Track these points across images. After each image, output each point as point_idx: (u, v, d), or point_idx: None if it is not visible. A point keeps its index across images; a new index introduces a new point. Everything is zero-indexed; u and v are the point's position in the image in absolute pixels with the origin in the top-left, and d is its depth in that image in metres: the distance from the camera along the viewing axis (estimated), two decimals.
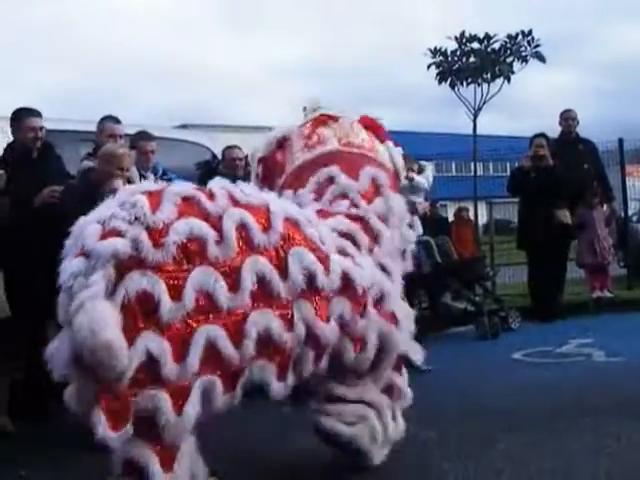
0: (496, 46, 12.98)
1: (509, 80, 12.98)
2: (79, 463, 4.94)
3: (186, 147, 8.82)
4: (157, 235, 3.53)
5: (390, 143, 4.86)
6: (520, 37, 12.84)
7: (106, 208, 3.68)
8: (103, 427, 3.32)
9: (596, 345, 8.38)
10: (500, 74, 12.84)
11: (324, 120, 4.80)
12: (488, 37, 12.97)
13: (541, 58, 12.90)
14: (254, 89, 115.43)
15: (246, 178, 8.15)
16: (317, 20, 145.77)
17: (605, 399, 5.97)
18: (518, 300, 11.58)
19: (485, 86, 13.20)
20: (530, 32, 12.79)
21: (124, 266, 3.46)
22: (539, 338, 9.07)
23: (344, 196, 4.40)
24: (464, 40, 13.03)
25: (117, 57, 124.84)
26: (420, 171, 9.76)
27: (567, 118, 11.33)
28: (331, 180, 4.45)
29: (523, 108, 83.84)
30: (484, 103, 13.33)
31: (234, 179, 7.88)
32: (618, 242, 12.52)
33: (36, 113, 6.57)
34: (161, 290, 3.46)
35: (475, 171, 14.32)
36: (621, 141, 13.53)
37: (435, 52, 13.12)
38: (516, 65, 13.06)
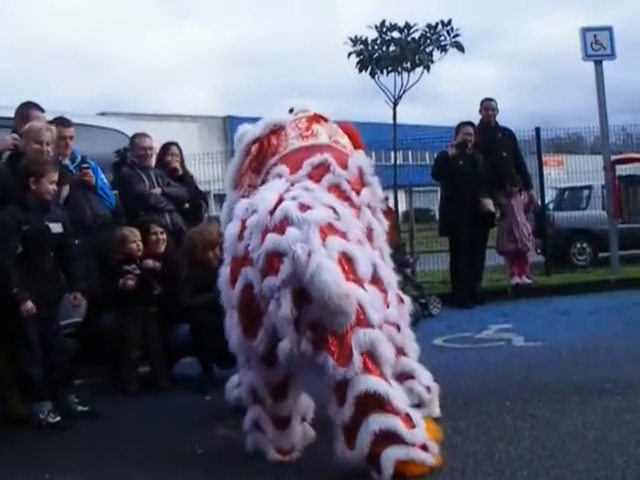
0: (416, 35, 13.03)
1: (429, 69, 13.05)
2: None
3: (106, 134, 8.65)
4: None
5: (362, 152, 5.29)
6: (440, 27, 12.91)
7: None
8: (333, 365, 4.06)
9: (515, 330, 8.55)
10: (420, 63, 12.89)
11: (317, 119, 5.31)
12: (408, 26, 13.00)
13: (460, 47, 12.99)
14: (176, 78, 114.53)
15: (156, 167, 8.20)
16: (240, 9, 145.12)
17: (525, 383, 6.10)
18: (438, 287, 11.73)
19: (405, 75, 13.24)
20: (450, 22, 12.86)
21: (323, 231, 4.26)
22: (459, 324, 9.23)
23: (337, 186, 4.81)
24: (384, 29, 13.04)
25: (34, 43, 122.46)
26: None
27: (487, 108, 11.51)
28: (325, 166, 4.86)
29: (441, 98, 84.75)
30: (404, 92, 13.38)
31: (143, 169, 7.90)
32: (536, 230, 12.72)
33: None
34: (356, 250, 4.35)
35: (395, 159, 14.38)
36: (538, 130, 13.79)
37: (355, 41, 13.11)
38: (435, 54, 13.13)
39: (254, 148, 5.23)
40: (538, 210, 13.34)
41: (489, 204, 10.79)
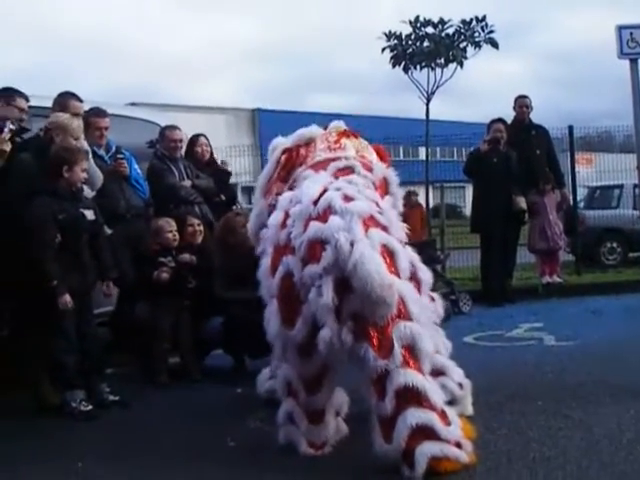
0: (450, 31, 12.98)
1: (462, 65, 12.99)
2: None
3: (138, 124, 8.68)
4: None
5: (392, 171, 5.26)
6: (474, 23, 12.85)
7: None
8: (374, 357, 4.07)
9: (546, 329, 8.49)
10: (454, 59, 12.83)
11: (347, 134, 5.34)
12: (442, 22, 12.96)
13: (494, 44, 12.92)
14: (205, 69, 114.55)
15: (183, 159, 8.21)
16: (271, 1, 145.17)
17: (557, 383, 6.08)
18: (468, 284, 11.68)
19: (438, 71, 13.20)
20: (484, 18, 12.81)
21: (365, 223, 4.29)
22: (490, 322, 9.20)
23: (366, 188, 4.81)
24: (418, 24, 13.01)
25: (64, 34, 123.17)
26: None
27: (521, 105, 11.44)
28: (351, 168, 4.90)
29: (471, 94, 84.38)
30: (437, 87, 13.34)
31: (172, 161, 7.91)
32: (566, 228, 12.65)
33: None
34: (397, 244, 4.39)
35: (427, 155, 14.35)
36: (571, 128, 13.67)
37: (390, 36, 13.09)
38: (469, 51, 13.08)
39: (283, 158, 5.29)
40: (569, 209, 13.24)
41: (522, 202, 10.75)
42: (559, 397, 5.58)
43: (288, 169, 5.23)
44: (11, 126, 6.00)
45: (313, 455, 4.54)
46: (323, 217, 4.33)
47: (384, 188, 4.99)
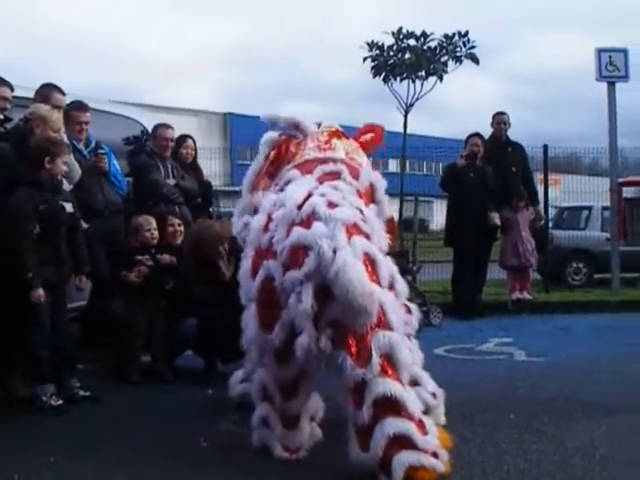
0: (432, 44, 13.01)
1: (442, 79, 13.02)
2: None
3: (118, 120, 8.61)
4: None
5: (378, 174, 5.23)
6: (456, 37, 12.89)
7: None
8: (351, 366, 4.06)
9: (516, 345, 8.54)
10: (434, 72, 12.86)
11: (339, 134, 5.33)
12: (425, 35, 12.98)
13: (475, 59, 12.95)
14: (178, 72, 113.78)
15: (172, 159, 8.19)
16: (247, 6, 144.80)
17: (529, 398, 6.11)
18: (437, 297, 11.70)
19: (417, 83, 13.21)
20: (466, 33, 12.85)
21: (349, 230, 4.27)
22: (460, 335, 9.24)
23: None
24: (401, 36, 13.02)
25: (45, 32, 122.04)
26: None
27: (499, 122, 11.51)
28: (337, 173, 4.86)
29: (443, 110, 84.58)
30: (416, 100, 13.35)
31: (161, 158, 7.87)
32: (537, 246, 12.71)
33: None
34: (379, 253, 4.37)
35: (402, 168, 14.37)
36: (546, 148, 13.75)
37: (372, 46, 13.09)
38: (450, 65, 13.10)
39: (272, 154, 5.27)
40: (540, 227, 13.31)
41: (495, 218, 10.82)
42: (531, 412, 5.60)
43: (276, 165, 5.23)
44: None
45: (287, 459, 4.52)
46: (307, 223, 4.31)
47: (370, 195, 4.96)
